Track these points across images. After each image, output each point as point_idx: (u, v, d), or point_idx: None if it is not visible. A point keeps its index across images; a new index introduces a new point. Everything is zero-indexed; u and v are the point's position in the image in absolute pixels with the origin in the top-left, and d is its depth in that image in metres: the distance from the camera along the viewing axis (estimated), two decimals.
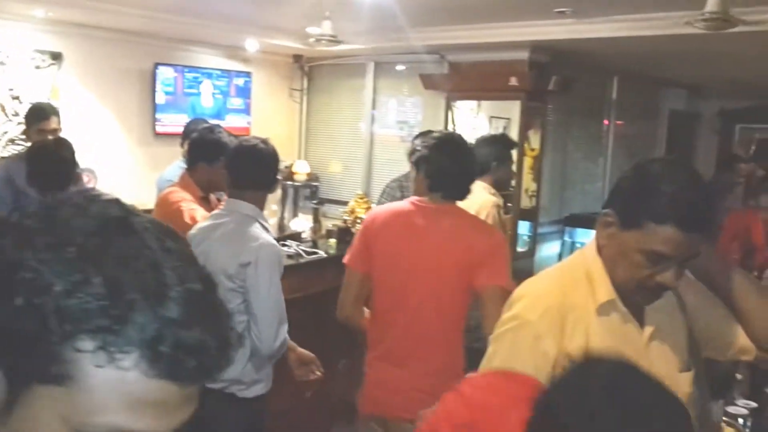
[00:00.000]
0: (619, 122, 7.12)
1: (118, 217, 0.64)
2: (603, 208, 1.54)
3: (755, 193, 5.93)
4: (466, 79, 5.85)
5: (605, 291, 1.53)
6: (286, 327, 2.56)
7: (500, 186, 4.05)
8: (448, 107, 6.02)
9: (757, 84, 7.02)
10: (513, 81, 5.39)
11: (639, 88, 7.39)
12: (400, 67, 6.63)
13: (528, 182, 5.95)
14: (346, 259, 2.72)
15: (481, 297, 2.48)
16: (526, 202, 5.95)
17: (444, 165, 2.56)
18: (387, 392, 2.54)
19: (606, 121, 7.05)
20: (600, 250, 1.56)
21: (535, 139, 5.93)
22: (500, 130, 6.04)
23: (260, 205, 2.58)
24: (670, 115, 7.94)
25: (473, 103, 6.33)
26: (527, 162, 5.94)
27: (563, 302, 1.53)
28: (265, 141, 2.61)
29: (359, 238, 2.72)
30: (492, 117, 6.34)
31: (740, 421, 3.13)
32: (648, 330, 1.56)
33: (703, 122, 8.55)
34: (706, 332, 1.62)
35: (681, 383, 1.53)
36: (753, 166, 7.29)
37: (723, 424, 3.14)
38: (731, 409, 3.46)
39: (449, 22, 5.14)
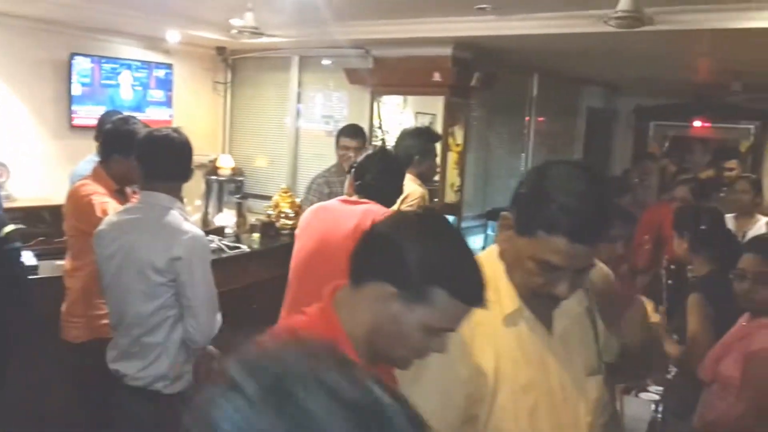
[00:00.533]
0: (540, 119, 7.28)
1: (376, 407, 0.57)
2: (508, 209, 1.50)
3: (668, 187, 6.15)
4: (391, 73, 5.87)
5: (510, 300, 1.49)
6: (220, 315, 2.55)
7: (424, 179, 4.09)
8: (373, 102, 6.03)
9: (670, 83, 7.32)
10: (436, 76, 5.44)
11: (559, 86, 7.58)
12: (325, 62, 6.60)
13: (453, 177, 6.03)
14: None
15: None
16: (451, 197, 6.03)
17: (374, 175, 2.77)
18: None
19: (527, 118, 7.20)
20: (501, 253, 1.52)
21: (460, 135, 6.01)
22: (427, 125, 6.10)
23: (175, 196, 2.53)
24: (588, 112, 8.19)
25: (399, 99, 6.37)
26: (452, 157, 6.01)
27: (470, 319, 1.46)
28: (177, 130, 2.55)
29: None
30: (418, 113, 6.39)
31: (652, 407, 3.27)
32: (556, 335, 1.54)
33: (620, 119, 8.85)
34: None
35: (589, 388, 1.53)
36: (666, 162, 7.61)
37: None
38: (644, 395, 3.61)
39: (374, 16, 5.15)
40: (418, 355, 1.31)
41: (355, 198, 2.76)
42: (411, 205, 3.74)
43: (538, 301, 1.48)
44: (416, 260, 1.23)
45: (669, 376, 3.22)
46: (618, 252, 2.49)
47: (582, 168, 1.43)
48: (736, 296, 2.55)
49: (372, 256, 1.29)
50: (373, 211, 2.58)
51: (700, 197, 4.80)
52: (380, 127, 6.34)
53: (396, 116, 6.44)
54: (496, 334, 1.48)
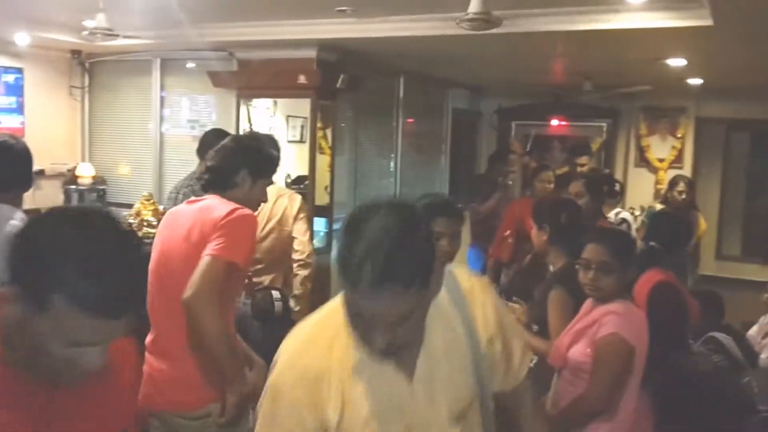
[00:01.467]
0: (408, 120, 7.42)
1: None
2: None
3: (530, 184, 6.41)
4: (256, 76, 5.80)
5: (354, 349, 1.42)
6: None
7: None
8: (239, 106, 5.93)
9: (529, 84, 7.67)
10: (302, 79, 5.43)
11: (424, 88, 7.75)
12: (190, 65, 6.44)
13: (324, 179, 6.03)
14: None
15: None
16: (322, 199, 6.02)
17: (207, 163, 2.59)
18: (152, 385, 2.38)
19: (396, 119, 7.30)
20: None
21: (329, 137, 6.02)
22: (298, 129, 6.07)
23: (17, 205, 2.39)
24: (454, 113, 8.42)
25: (269, 102, 6.30)
26: (325, 159, 6.01)
27: (318, 366, 1.42)
28: (13, 136, 2.42)
29: None
30: (289, 116, 6.35)
31: None
32: (417, 379, 1.45)
33: (484, 119, 9.18)
34: None
35: None
36: (527, 159, 7.96)
37: None
38: None
39: (236, 18, 5.07)
40: (68, 368, 1.17)
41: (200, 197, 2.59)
42: (295, 203, 3.89)
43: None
44: (40, 262, 1.10)
45: (531, 365, 3.33)
46: (444, 249, 2.40)
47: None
48: (582, 285, 2.66)
49: (12, 257, 1.14)
50: (209, 207, 2.42)
51: (595, 193, 4.94)
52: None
53: (266, 120, 6.39)
54: (344, 381, 1.41)
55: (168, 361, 2.38)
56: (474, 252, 6.07)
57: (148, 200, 4.96)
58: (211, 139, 4.50)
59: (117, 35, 4.53)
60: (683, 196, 5.69)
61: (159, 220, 4.75)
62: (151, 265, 2.42)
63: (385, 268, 1.23)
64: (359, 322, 1.32)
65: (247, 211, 2.41)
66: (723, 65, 5.84)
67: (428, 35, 4.56)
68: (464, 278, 1.60)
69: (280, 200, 3.89)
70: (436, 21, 4.38)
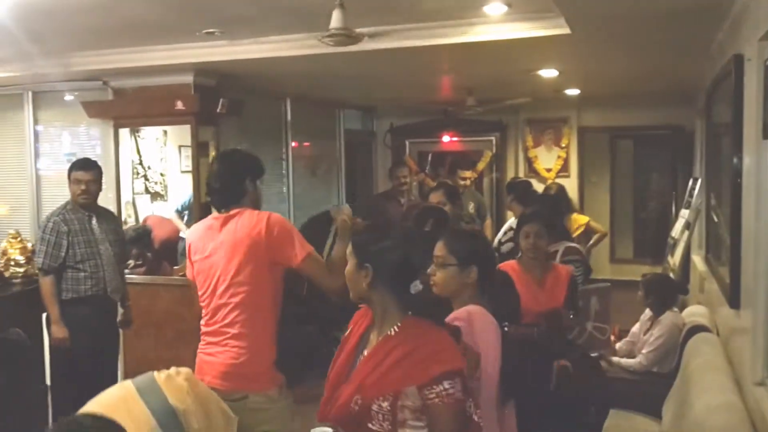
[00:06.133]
0: (297, 143, 7.37)
1: None
2: None
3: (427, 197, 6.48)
4: (132, 104, 5.64)
5: None
6: None
7: None
8: (117, 136, 5.74)
9: (418, 101, 7.79)
10: (179, 105, 5.31)
11: (314, 110, 7.75)
12: (68, 97, 6.19)
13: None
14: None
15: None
16: None
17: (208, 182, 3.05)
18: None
19: (286, 142, 7.25)
20: None
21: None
22: (190, 158, 5.88)
23: None
24: (346, 133, 8.43)
25: (159, 132, 6.12)
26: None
27: None
28: None
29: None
30: (181, 146, 6.18)
31: None
32: None
33: (378, 139, 9.25)
34: None
35: None
36: (423, 176, 8.09)
37: None
38: None
39: (106, 45, 4.90)
40: None
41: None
42: None
43: None
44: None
45: None
46: None
47: None
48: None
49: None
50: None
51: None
52: (140, 163, 6.08)
53: (157, 151, 6.21)
54: None
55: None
56: None
57: (15, 238, 4.67)
58: None
59: None
60: None
61: (27, 259, 4.53)
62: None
63: None
64: None
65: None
66: (594, 74, 6.07)
67: (299, 55, 4.52)
68: None
69: None
70: (305, 40, 4.36)
